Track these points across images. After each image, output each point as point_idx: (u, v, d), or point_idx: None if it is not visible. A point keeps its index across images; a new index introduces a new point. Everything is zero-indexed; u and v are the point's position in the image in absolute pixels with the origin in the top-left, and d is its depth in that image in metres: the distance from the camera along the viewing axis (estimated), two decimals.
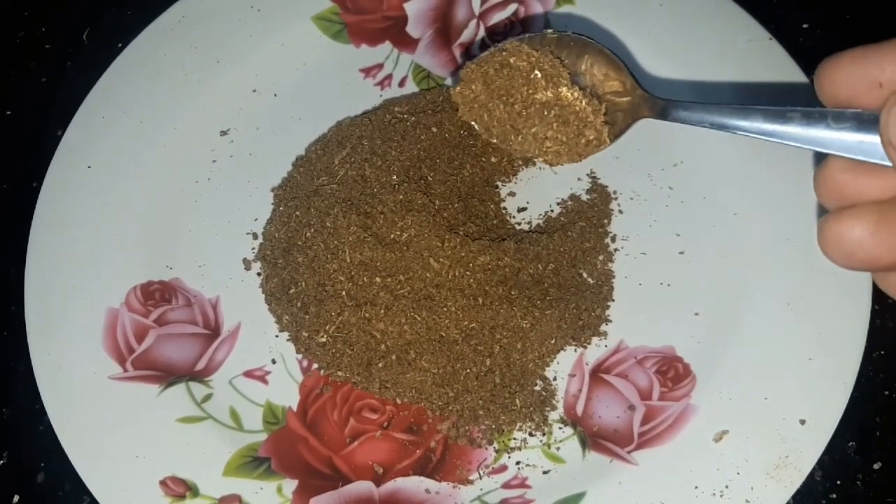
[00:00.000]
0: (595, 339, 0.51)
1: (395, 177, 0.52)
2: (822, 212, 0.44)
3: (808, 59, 0.57)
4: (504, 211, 0.55)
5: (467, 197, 0.53)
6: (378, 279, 0.49)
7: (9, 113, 0.62)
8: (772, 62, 0.57)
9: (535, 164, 0.56)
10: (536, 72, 0.50)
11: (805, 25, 0.62)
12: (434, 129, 0.54)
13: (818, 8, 0.63)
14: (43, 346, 0.50)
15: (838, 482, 0.48)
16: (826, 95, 0.35)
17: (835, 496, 0.48)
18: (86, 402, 0.49)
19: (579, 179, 0.56)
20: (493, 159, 0.55)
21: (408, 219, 0.50)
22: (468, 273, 0.49)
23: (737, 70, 0.57)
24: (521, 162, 0.56)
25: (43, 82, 0.63)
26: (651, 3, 0.60)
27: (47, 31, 0.65)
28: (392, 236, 0.50)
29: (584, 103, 0.50)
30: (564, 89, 0.50)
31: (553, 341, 0.49)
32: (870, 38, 0.60)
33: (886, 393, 0.50)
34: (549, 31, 0.51)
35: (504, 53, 0.51)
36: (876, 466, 0.49)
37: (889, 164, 0.32)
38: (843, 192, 0.37)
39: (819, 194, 0.39)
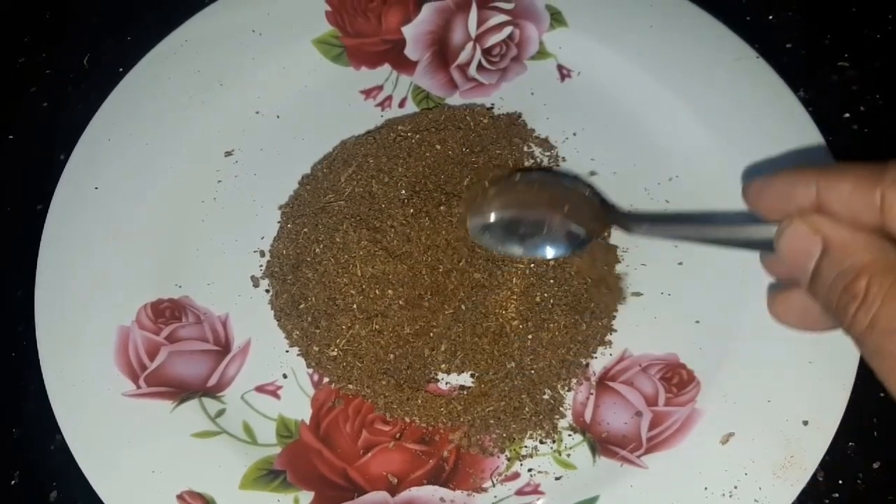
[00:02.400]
0: (600, 349, 0.52)
1: (403, 192, 0.53)
2: None
3: (793, 76, 0.59)
4: None
5: None
6: (390, 291, 0.50)
7: (11, 137, 0.63)
8: (760, 79, 0.59)
9: None
10: None
11: (788, 45, 0.64)
12: (438, 147, 0.56)
13: (800, 28, 0.65)
14: (55, 365, 0.50)
15: (840, 482, 0.49)
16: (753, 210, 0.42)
17: (837, 495, 0.49)
18: (100, 419, 0.49)
19: None
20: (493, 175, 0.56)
21: (419, 232, 0.51)
22: (478, 286, 0.50)
23: (726, 87, 0.59)
24: None
25: (44, 107, 0.64)
26: (641, 24, 0.62)
27: (48, 57, 0.66)
28: (403, 250, 0.51)
29: None
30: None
31: (561, 350, 0.50)
32: (848, 56, 0.63)
33: (882, 395, 0.52)
34: (518, 175, 0.53)
35: None
36: (875, 465, 0.50)
37: None
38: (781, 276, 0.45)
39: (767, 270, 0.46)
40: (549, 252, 0.50)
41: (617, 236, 0.55)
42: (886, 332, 0.33)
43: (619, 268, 0.54)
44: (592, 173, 0.58)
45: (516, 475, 0.49)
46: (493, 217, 0.51)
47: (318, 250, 0.52)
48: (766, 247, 0.40)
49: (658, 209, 0.57)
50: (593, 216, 0.51)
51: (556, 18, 0.63)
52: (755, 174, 0.56)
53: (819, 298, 0.37)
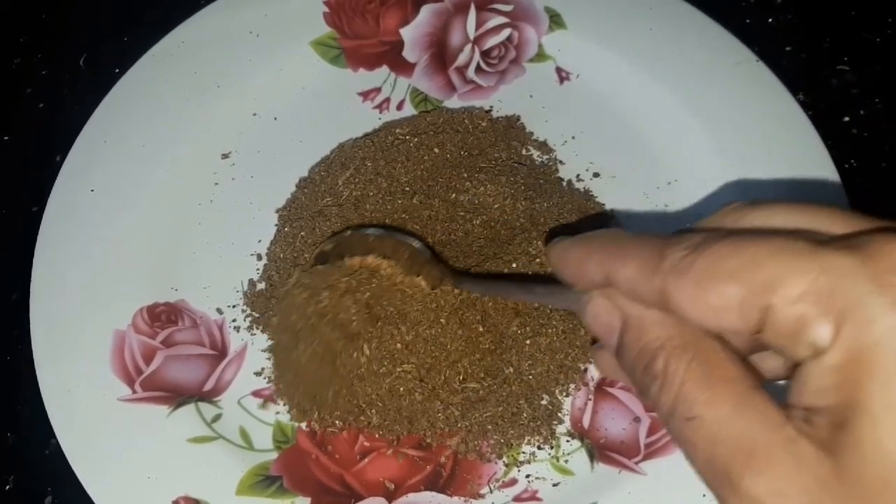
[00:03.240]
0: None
1: (399, 198, 0.53)
2: None
3: (792, 80, 0.59)
4: None
5: None
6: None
7: (6, 138, 0.62)
8: (759, 83, 0.59)
9: None
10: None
11: (788, 49, 0.64)
12: (436, 150, 0.55)
13: (800, 32, 0.65)
14: (51, 369, 0.50)
15: None
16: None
17: None
18: (96, 424, 0.49)
19: None
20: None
21: None
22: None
23: (726, 90, 0.59)
24: None
25: (40, 108, 0.63)
26: (641, 27, 0.62)
27: (43, 58, 0.66)
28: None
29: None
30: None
31: (560, 356, 0.50)
32: (848, 60, 0.63)
33: None
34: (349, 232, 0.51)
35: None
36: None
37: None
38: None
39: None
40: None
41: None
42: (684, 419, 0.29)
43: None
44: (595, 175, 0.58)
45: (514, 481, 0.48)
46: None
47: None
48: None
49: (657, 212, 0.56)
50: (428, 269, 0.49)
51: (555, 21, 0.63)
52: (754, 178, 0.56)
53: (627, 375, 0.34)
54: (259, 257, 0.55)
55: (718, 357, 0.30)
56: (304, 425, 0.50)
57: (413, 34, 0.63)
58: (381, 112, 0.61)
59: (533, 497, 0.48)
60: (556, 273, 0.37)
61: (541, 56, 0.63)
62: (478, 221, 0.53)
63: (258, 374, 0.52)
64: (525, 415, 0.49)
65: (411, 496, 0.48)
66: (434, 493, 0.48)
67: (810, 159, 0.56)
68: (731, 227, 0.32)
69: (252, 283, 0.54)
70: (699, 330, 0.31)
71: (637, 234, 0.33)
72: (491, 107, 0.61)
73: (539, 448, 0.49)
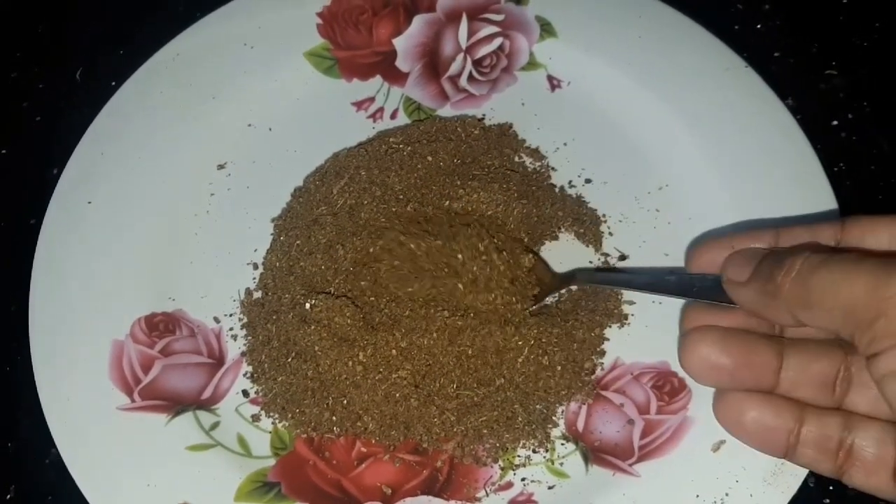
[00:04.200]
0: (592, 357, 0.52)
1: (393, 206, 0.53)
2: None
3: (781, 85, 0.60)
4: None
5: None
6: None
7: (4, 152, 0.63)
8: (748, 88, 0.60)
9: None
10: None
11: (776, 54, 0.65)
12: (429, 158, 0.56)
13: (788, 37, 0.66)
14: (50, 379, 0.51)
15: (830, 488, 0.50)
16: (693, 268, 0.48)
17: (828, 501, 0.50)
18: (95, 433, 0.49)
19: None
20: None
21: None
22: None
23: (715, 96, 0.60)
24: None
25: (37, 121, 0.64)
26: (631, 35, 0.62)
27: (40, 71, 0.66)
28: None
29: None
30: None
31: (555, 358, 0.51)
32: (836, 64, 0.64)
33: None
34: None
35: None
36: None
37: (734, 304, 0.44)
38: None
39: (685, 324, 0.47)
40: None
41: (606, 245, 0.56)
42: None
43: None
44: (587, 181, 0.58)
45: (510, 485, 0.49)
46: None
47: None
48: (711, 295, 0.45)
49: (648, 218, 0.57)
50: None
51: (546, 29, 0.63)
52: (745, 182, 0.56)
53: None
54: (255, 266, 0.56)
55: None
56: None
57: (406, 44, 0.64)
58: (374, 121, 0.61)
59: (529, 500, 0.48)
60: (696, 267, 0.47)
61: (532, 64, 0.63)
62: None
63: (246, 375, 0.52)
64: (520, 419, 0.50)
65: (408, 501, 0.48)
66: (431, 498, 0.49)
67: (799, 163, 0.56)
68: None
69: (248, 291, 0.55)
70: None
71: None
72: (483, 115, 0.61)
73: (534, 451, 0.50)
